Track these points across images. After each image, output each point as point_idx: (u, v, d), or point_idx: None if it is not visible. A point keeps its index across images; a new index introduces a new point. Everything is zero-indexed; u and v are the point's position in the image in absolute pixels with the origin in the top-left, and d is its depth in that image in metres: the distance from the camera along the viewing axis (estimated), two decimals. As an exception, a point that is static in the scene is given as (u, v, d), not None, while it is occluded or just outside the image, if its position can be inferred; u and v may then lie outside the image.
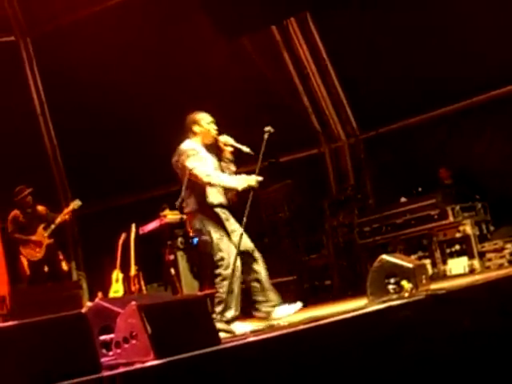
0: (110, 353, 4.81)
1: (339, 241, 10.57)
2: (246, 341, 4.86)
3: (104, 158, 10.79)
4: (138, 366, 4.32)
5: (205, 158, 6.83)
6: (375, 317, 5.35)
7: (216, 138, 6.92)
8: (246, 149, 6.85)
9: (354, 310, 5.71)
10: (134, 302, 4.54)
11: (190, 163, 6.70)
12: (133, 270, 9.08)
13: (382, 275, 6.36)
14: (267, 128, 6.85)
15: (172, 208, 9.55)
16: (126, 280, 9.20)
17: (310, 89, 11.23)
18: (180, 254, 9.49)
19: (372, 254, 9.32)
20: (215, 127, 6.95)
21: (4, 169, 10.18)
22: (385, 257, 6.53)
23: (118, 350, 4.65)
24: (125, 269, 9.32)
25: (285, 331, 5.14)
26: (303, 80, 11.20)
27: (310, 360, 4.61)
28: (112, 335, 4.84)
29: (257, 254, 6.94)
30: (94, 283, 9.86)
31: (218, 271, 6.76)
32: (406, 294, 6.04)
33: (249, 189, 6.76)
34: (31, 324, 4.34)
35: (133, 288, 9.05)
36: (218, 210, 6.84)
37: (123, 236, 9.47)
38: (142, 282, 9.17)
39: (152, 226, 9.31)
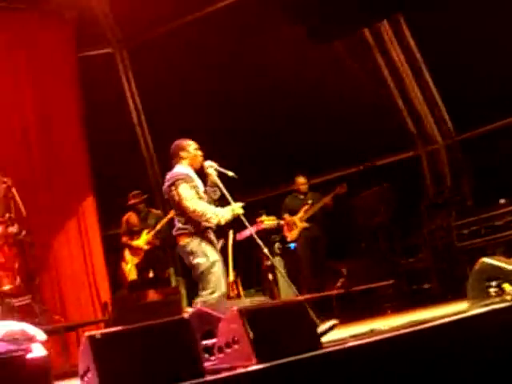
0: (213, 357, 4.88)
1: (437, 244, 10.43)
2: (346, 345, 4.84)
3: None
4: (241, 370, 4.36)
5: (194, 184, 6.98)
6: (478, 321, 5.26)
7: (202, 163, 7.10)
8: (230, 173, 7.07)
9: (455, 314, 5.62)
10: (235, 307, 4.59)
11: (181, 191, 6.88)
12: (231, 276, 9.15)
13: (483, 278, 6.23)
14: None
15: (268, 213, 9.64)
16: (225, 286, 9.29)
17: (405, 91, 11.14)
18: (277, 259, 9.55)
19: (471, 256, 9.16)
20: (201, 153, 7.16)
21: (104, 176, 10.43)
22: (485, 259, 6.40)
23: (221, 355, 4.71)
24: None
25: (385, 336, 5.10)
26: (397, 82, 11.12)
27: (411, 365, 4.57)
28: (214, 340, 4.91)
29: None
30: (192, 289, 9.97)
31: (202, 293, 6.87)
32: (509, 297, 5.91)
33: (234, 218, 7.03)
34: (135, 329, 4.44)
35: (231, 293, 9.12)
36: (210, 233, 7.05)
37: (221, 241, 9.57)
38: (240, 288, 9.23)
39: (249, 231, 9.37)
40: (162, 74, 11.24)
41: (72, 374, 6.36)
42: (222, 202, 9.05)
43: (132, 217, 9.90)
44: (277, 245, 9.82)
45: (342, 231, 10.98)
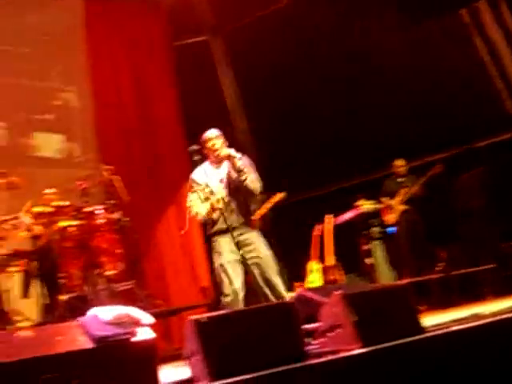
0: (315, 342, 4.90)
1: (539, 226, 10.17)
2: (450, 329, 4.80)
3: (298, 149, 10.93)
4: (344, 354, 4.38)
5: (199, 188, 6.88)
6: None
7: (220, 156, 6.98)
8: (238, 155, 6.94)
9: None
10: (339, 291, 4.61)
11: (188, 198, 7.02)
12: (331, 261, 9.16)
13: None
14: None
15: (368, 197, 9.59)
16: (323, 270, 9.30)
17: (504, 72, 10.88)
18: (376, 243, 9.50)
19: None
20: (216, 144, 6.99)
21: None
22: None
23: (323, 339, 4.74)
24: (321, 259, 9.41)
25: (489, 320, 5.03)
26: (496, 63, 10.86)
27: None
28: (316, 324, 4.94)
29: None
30: (289, 274, 10.01)
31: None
32: None
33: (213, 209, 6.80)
34: (240, 313, 4.51)
35: (331, 278, 9.14)
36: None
37: (319, 226, 9.58)
38: (342, 272, 9.23)
39: (348, 216, 9.38)
40: (257, 59, 11.27)
41: (174, 358, 6.49)
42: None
43: None
44: (376, 229, 9.76)
45: (440, 215, 10.82)
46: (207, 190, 6.84)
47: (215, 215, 6.84)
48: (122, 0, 11.13)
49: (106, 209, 8.14)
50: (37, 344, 4.31)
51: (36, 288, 8.56)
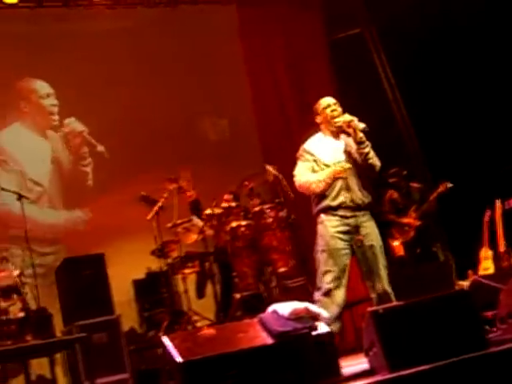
0: (495, 329, 4.82)
1: None
2: None
3: (460, 134, 10.69)
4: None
5: (314, 158, 6.31)
6: None
7: (337, 121, 6.28)
8: (361, 125, 6.22)
9: None
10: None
11: (295, 171, 6.46)
12: (502, 247, 8.93)
13: None
14: None
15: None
16: (496, 257, 9.09)
17: None
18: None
19: None
20: (335, 109, 6.35)
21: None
22: None
23: (503, 326, 4.66)
24: (493, 246, 9.20)
25: None
26: None
27: None
28: (494, 311, 4.86)
29: None
30: (461, 262, 9.83)
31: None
32: None
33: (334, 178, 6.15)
34: (417, 303, 4.50)
35: (504, 264, 8.91)
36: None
37: (488, 212, 9.37)
38: (513, 258, 8.99)
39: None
40: (411, 48, 11.12)
41: (349, 352, 6.54)
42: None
43: (394, 194, 9.89)
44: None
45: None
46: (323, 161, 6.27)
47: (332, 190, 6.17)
48: (274, 1, 11.30)
49: (273, 207, 8.27)
50: (220, 342, 4.46)
51: (210, 288, 8.82)
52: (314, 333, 4.54)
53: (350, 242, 6.14)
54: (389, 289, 6.19)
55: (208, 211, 8.76)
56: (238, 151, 10.85)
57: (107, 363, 7.49)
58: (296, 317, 4.60)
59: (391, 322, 4.35)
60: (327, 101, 6.39)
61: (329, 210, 6.19)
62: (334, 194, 6.17)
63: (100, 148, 10.45)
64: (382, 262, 6.21)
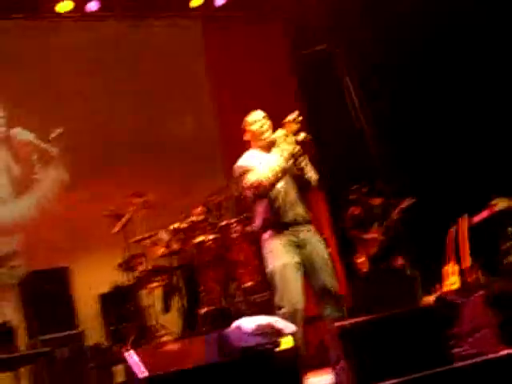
0: (459, 344, 4.84)
1: None
2: None
3: (424, 150, 10.75)
4: (490, 356, 4.31)
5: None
6: None
7: (267, 137, 6.01)
8: (301, 135, 5.86)
9: None
10: (479, 292, 4.55)
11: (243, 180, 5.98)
12: (468, 262, 8.98)
13: None
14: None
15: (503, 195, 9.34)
16: (461, 272, 9.14)
17: None
18: (515, 242, 9.23)
19: None
20: (264, 123, 6.06)
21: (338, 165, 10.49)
22: None
23: (468, 341, 4.68)
24: (458, 261, 9.25)
25: None
26: None
27: None
28: (459, 326, 4.88)
29: None
30: (426, 277, 9.88)
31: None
32: None
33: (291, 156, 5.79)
34: (382, 319, 4.51)
35: (469, 279, 8.96)
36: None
37: (454, 228, 9.43)
38: (479, 273, 9.04)
39: (482, 215, 9.17)
40: (379, 63, 11.17)
41: (313, 367, 6.49)
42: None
43: (355, 211, 9.92)
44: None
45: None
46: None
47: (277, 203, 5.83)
48: (238, 17, 11.37)
49: (239, 221, 8.26)
50: (185, 357, 4.44)
51: (176, 302, 8.78)
52: (277, 348, 4.52)
53: (301, 257, 5.85)
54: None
55: (175, 225, 8.74)
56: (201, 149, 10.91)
57: (71, 378, 7.43)
58: (260, 332, 4.59)
59: (357, 336, 4.35)
60: (254, 117, 6.11)
61: (277, 226, 5.89)
62: (279, 209, 5.88)
63: (52, 150, 10.38)
64: (329, 274, 5.88)
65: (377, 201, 9.91)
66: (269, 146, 6.01)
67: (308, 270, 5.86)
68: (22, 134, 10.28)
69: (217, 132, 11.08)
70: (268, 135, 6.01)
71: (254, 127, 6.05)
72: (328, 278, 5.84)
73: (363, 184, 9.97)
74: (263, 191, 5.86)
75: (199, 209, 8.81)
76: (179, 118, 11.01)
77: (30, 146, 10.32)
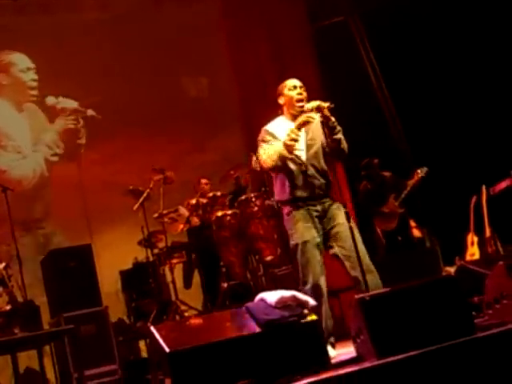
0: (481, 314, 4.85)
1: None
2: None
3: (443, 120, 10.70)
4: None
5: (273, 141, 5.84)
6: None
7: (303, 105, 5.78)
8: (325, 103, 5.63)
9: None
10: (501, 262, 4.54)
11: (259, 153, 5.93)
12: (488, 232, 8.97)
13: None
14: None
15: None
16: (482, 242, 9.12)
17: None
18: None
19: None
20: (302, 92, 5.87)
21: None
22: None
23: (490, 311, 4.68)
24: (479, 231, 9.23)
25: None
26: None
27: None
28: (481, 296, 4.88)
29: None
30: (447, 248, 9.86)
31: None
32: None
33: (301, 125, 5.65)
34: (403, 290, 4.51)
35: (489, 250, 8.94)
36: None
37: (474, 198, 9.40)
38: (499, 244, 9.02)
39: (503, 185, 9.12)
40: (396, 35, 11.10)
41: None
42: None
43: (368, 185, 9.84)
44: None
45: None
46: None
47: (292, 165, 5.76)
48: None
49: (259, 196, 8.26)
50: (208, 331, 4.47)
51: (197, 278, 8.82)
52: (301, 321, 4.54)
53: (322, 231, 5.77)
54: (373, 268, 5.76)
55: (193, 201, 8.77)
56: (216, 109, 11.04)
57: (95, 354, 7.49)
58: (283, 305, 4.60)
59: (379, 308, 4.36)
60: (293, 82, 5.93)
61: (296, 201, 5.80)
62: (299, 182, 5.79)
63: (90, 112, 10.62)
64: (359, 241, 5.69)
65: (387, 173, 9.85)
66: (298, 117, 5.81)
67: (332, 240, 5.78)
68: (66, 102, 10.49)
69: (235, 95, 11.15)
70: (302, 104, 5.82)
71: (293, 93, 5.89)
72: (351, 247, 5.59)
73: (374, 158, 9.91)
74: (266, 170, 5.96)
75: (204, 181, 8.91)
76: (196, 79, 11.19)
77: (75, 113, 10.55)
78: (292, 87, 5.90)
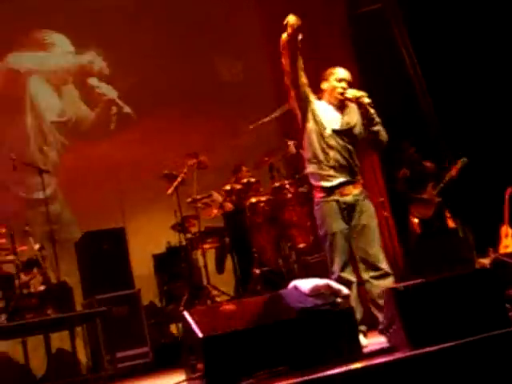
0: (516, 307, 4.81)
1: None
2: None
3: (480, 110, 10.61)
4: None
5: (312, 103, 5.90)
6: None
7: (342, 97, 5.85)
8: (366, 100, 5.76)
9: None
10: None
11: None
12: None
13: None
14: None
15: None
16: (514, 235, 9.05)
17: None
18: None
19: None
20: (344, 86, 5.88)
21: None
22: None
23: (526, 303, 4.64)
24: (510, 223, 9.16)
25: None
26: None
27: None
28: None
29: None
30: (480, 239, 9.79)
31: None
32: None
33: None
34: (438, 281, 4.48)
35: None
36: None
37: (510, 189, 9.32)
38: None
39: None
40: (433, 23, 11.00)
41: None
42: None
43: (407, 172, 9.80)
44: None
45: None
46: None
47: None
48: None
49: (293, 183, 8.24)
50: (240, 317, 4.47)
51: (230, 263, 8.83)
52: (334, 309, 4.54)
53: (349, 222, 5.76)
54: (389, 270, 5.72)
55: (227, 187, 8.77)
56: (251, 93, 11.04)
57: (127, 337, 7.55)
58: (317, 293, 4.60)
59: (412, 299, 4.34)
60: (342, 75, 5.95)
61: (327, 190, 5.80)
62: (329, 171, 5.78)
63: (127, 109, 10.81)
64: (377, 242, 5.78)
65: (429, 164, 9.80)
66: (336, 105, 5.92)
67: (353, 234, 5.77)
68: (107, 88, 10.74)
69: (269, 79, 11.14)
70: (343, 97, 5.87)
71: (339, 84, 5.90)
72: (368, 247, 5.70)
73: (410, 143, 9.85)
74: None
75: (245, 168, 8.90)
76: (232, 63, 11.26)
77: (113, 105, 10.77)
78: (339, 79, 5.92)
